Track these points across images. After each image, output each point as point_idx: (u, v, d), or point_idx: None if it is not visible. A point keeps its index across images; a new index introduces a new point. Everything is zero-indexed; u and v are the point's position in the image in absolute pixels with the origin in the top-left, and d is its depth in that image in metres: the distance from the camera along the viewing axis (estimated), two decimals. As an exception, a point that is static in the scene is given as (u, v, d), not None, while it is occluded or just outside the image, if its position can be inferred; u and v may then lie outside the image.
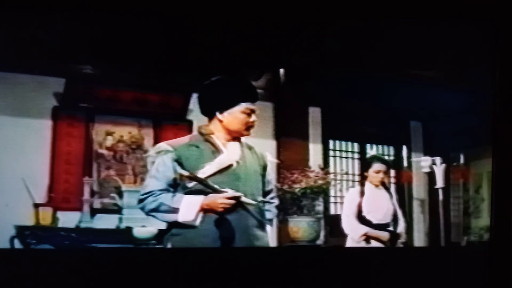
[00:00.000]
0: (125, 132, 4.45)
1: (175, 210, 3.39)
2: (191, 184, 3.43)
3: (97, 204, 4.31)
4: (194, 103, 4.33)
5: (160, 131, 4.51)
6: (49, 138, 4.23)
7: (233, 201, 3.42)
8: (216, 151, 3.48)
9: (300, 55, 4.26)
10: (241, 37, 3.99)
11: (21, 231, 3.96)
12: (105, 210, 4.32)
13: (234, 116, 3.48)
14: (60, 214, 4.20)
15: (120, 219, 4.26)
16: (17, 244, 3.93)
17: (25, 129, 4.07)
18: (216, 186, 3.42)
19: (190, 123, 4.45)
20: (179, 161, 3.42)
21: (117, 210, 4.30)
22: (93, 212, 4.27)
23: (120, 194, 4.33)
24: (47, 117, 4.22)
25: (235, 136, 3.53)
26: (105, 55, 4.00)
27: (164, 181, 3.41)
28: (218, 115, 3.47)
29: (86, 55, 4.01)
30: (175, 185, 3.44)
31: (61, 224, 4.17)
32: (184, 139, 3.53)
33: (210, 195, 3.42)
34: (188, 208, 3.40)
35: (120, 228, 4.23)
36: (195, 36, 3.96)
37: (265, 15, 3.89)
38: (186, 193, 3.41)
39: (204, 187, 3.42)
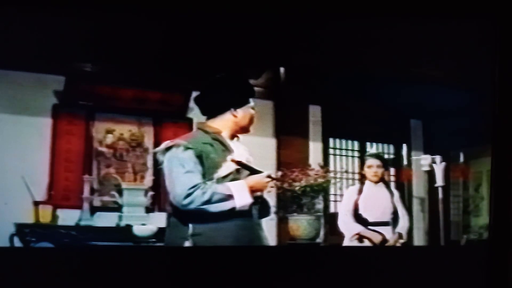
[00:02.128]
0: (125, 130, 4.45)
1: (229, 198, 3.40)
2: (224, 173, 3.45)
3: (97, 202, 4.31)
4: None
5: (160, 129, 4.51)
6: (49, 136, 4.23)
7: (271, 180, 3.51)
8: (226, 150, 3.51)
9: (300, 53, 4.26)
10: (242, 36, 3.99)
11: (21, 229, 3.96)
12: (105, 208, 4.32)
13: (246, 112, 3.55)
14: (60, 212, 4.20)
15: (120, 217, 4.26)
16: (17, 242, 3.92)
17: (25, 127, 4.07)
18: (257, 168, 3.50)
19: (190, 121, 4.45)
20: (200, 158, 3.44)
21: (117, 208, 4.30)
22: (93, 210, 4.27)
23: (120, 192, 4.33)
24: (47, 115, 4.22)
25: (237, 134, 3.57)
26: (105, 53, 4.00)
27: (200, 175, 3.41)
28: (232, 111, 3.52)
29: (86, 53, 4.01)
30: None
31: (61, 222, 4.17)
32: (194, 137, 3.54)
33: (251, 177, 3.48)
34: (241, 192, 3.42)
35: (120, 226, 4.23)
36: (196, 35, 3.96)
37: (266, 14, 3.89)
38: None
39: (250, 171, 3.48)
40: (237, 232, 3.44)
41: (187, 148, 3.40)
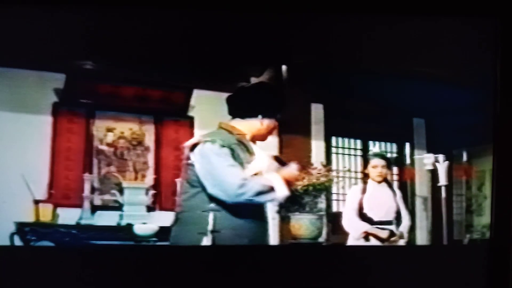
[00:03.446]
0: (126, 128, 4.43)
1: (272, 189, 3.53)
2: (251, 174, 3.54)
3: (97, 200, 4.30)
4: (196, 99, 4.34)
5: (161, 127, 4.50)
6: (49, 134, 4.21)
7: (301, 170, 3.73)
8: (248, 152, 3.57)
9: (302, 51, 4.25)
10: (243, 33, 3.98)
11: (21, 228, 3.96)
12: (105, 206, 4.31)
13: (271, 123, 3.67)
14: (60, 210, 4.18)
15: (121, 216, 4.25)
16: (17, 241, 3.92)
17: (24, 125, 4.05)
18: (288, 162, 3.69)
19: (191, 119, 4.44)
20: (233, 156, 3.52)
21: (118, 207, 4.29)
22: (94, 208, 4.26)
23: (121, 190, 4.32)
24: (47, 113, 4.20)
25: (255, 139, 3.67)
26: (106, 51, 3.99)
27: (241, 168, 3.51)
28: (260, 118, 3.60)
29: (87, 51, 4.00)
30: None
31: (61, 220, 4.16)
32: (222, 135, 3.58)
33: (282, 169, 3.63)
34: (280, 184, 3.58)
35: (120, 225, 4.22)
36: (197, 32, 3.95)
37: (268, 11, 3.88)
38: None
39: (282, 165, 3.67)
40: (253, 232, 3.50)
41: (222, 146, 3.47)
